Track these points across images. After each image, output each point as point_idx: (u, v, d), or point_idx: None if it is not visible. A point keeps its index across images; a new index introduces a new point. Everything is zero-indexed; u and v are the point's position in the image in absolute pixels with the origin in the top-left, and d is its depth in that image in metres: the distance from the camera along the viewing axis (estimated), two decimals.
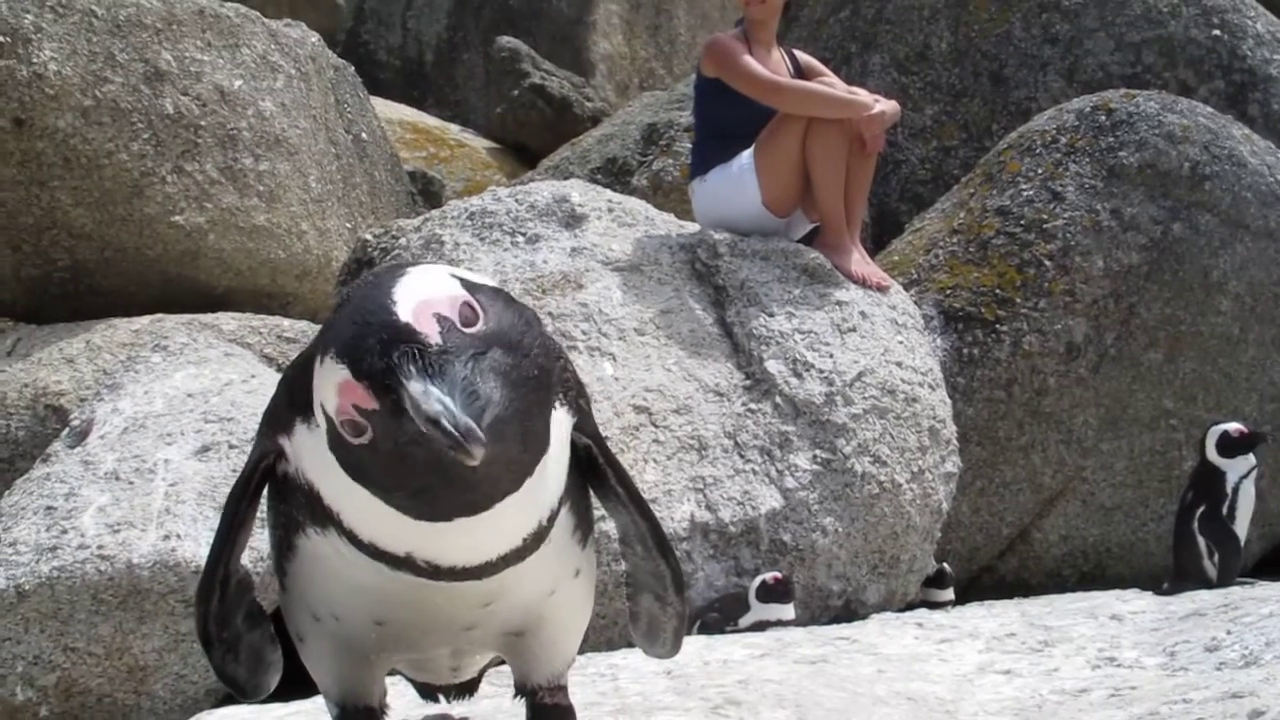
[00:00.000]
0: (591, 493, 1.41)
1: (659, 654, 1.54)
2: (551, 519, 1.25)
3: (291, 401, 1.26)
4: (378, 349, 1.06)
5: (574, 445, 1.33)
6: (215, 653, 1.38)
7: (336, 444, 1.13)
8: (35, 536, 3.02)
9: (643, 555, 1.43)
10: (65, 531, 3.01)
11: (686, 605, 1.49)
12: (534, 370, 1.14)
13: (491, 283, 1.21)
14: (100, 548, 2.96)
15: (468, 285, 1.15)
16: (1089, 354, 4.46)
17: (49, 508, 3.10)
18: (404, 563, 1.20)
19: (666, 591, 1.45)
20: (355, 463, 1.12)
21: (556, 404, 1.28)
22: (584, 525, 1.38)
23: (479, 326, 1.11)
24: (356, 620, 1.32)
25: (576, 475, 1.34)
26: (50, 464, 3.33)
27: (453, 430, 1.00)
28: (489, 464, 1.05)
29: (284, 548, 1.33)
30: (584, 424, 1.35)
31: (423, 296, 1.11)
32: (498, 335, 1.12)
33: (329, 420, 1.12)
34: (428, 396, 1.02)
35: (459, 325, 1.10)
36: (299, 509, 1.28)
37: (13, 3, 4.23)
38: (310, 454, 1.22)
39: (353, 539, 1.21)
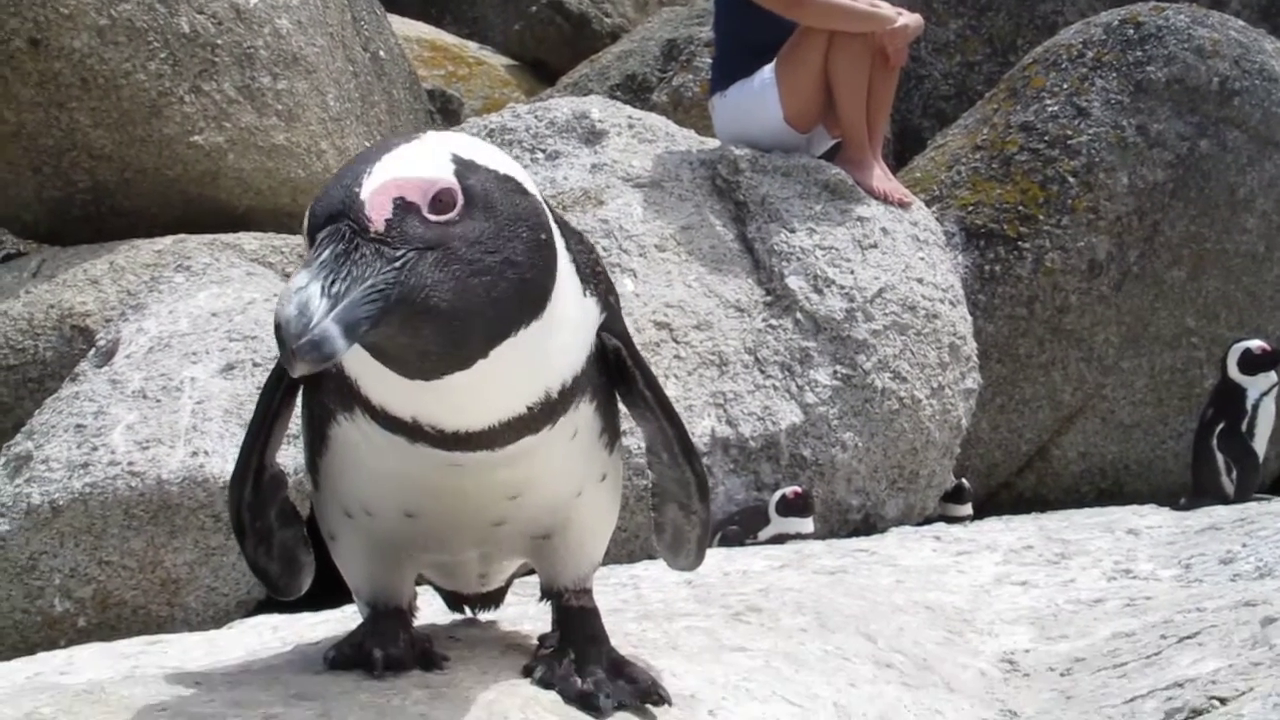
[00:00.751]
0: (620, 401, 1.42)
1: (683, 565, 1.56)
2: (565, 396, 1.25)
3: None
4: (321, 217, 1.07)
5: (603, 345, 1.34)
6: (249, 543, 1.41)
7: None
8: (67, 454, 3.07)
9: (668, 463, 1.45)
10: (96, 449, 3.07)
11: (710, 515, 1.50)
12: (508, 268, 1.13)
13: (505, 167, 1.20)
14: (130, 464, 3.01)
15: (463, 167, 1.14)
16: (1111, 272, 4.43)
17: (79, 426, 3.15)
18: (415, 431, 1.21)
19: (691, 500, 1.46)
20: None
21: (585, 292, 1.29)
22: (610, 429, 1.40)
23: (450, 214, 1.10)
24: (388, 513, 1.34)
25: (604, 377, 1.35)
26: (78, 383, 3.37)
27: (285, 338, 1.00)
28: (388, 343, 1.08)
29: (317, 441, 1.35)
30: (612, 323, 1.36)
31: (396, 175, 1.10)
32: (469, 228, 1.11)
33: None
34: (289, 295, 1.02)
35: (425, 211, 1.09)
36: (329, 395, 1.30)
37: None
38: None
39: (371, 411, 1.23)
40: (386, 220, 1.07)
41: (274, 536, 1.42)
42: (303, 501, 1.56)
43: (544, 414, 1.24)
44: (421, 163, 1.12)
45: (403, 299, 1.05)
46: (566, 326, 1.24)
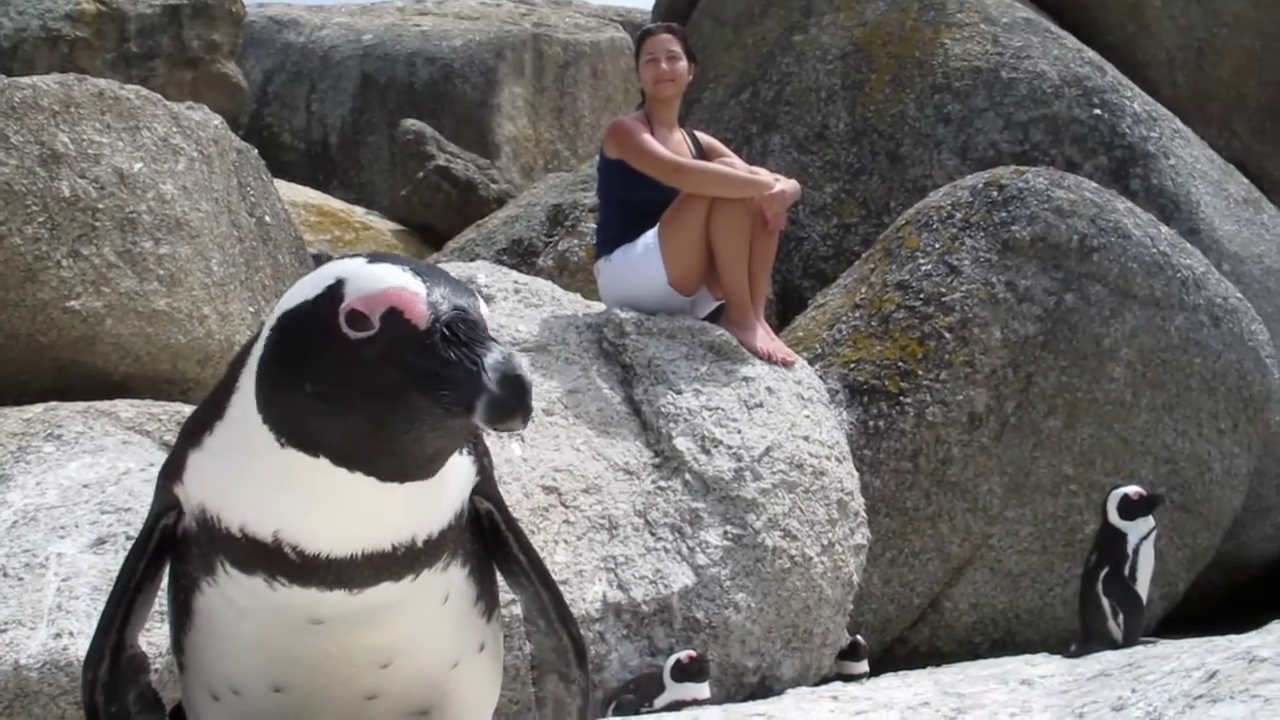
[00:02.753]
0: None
1: None
2: (430, 549, 1.24)
3: (190, 433, 1.30)
4: (464, 309, 1.19)
5: (475, 510, 1.33)
6: None
7: (277, 358, 1.22)
8: None
9: (545, 630, 1.42)
10: None
11: (591, 684, 1.47)
12: None
13: None
14: None
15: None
16: (991, 423, 4.56)
17: None
18: (275, 560, 1.18)
19: (570, 668, 1.43)
20: (287, 370, 1.22)
21: (462, 450, 1.31)
22: (488, 597, 1.37)
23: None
24: (255, 690, 1.28)
25: (479, 544, 1.34)
26: None
27: (527, 395, 1.12)
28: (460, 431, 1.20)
29: (182, 616, 1.31)
30: (486, 487, 1.35)
31: (453, 291, 1.24)
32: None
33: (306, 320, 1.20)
34: (512, 360, 1.14)
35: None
36: (192, 562, 1.27)
37: None
38: (205, 465, 1.26)
39: (230, 549, 1.19)
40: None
41: None
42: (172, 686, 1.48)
43: (406, 560, 1.22)
44: (448, 285, 1.26)
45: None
46: (447, 478, 1.23)
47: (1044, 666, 3.11)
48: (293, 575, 1.19)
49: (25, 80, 4.51)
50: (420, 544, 1.24)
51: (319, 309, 1.17)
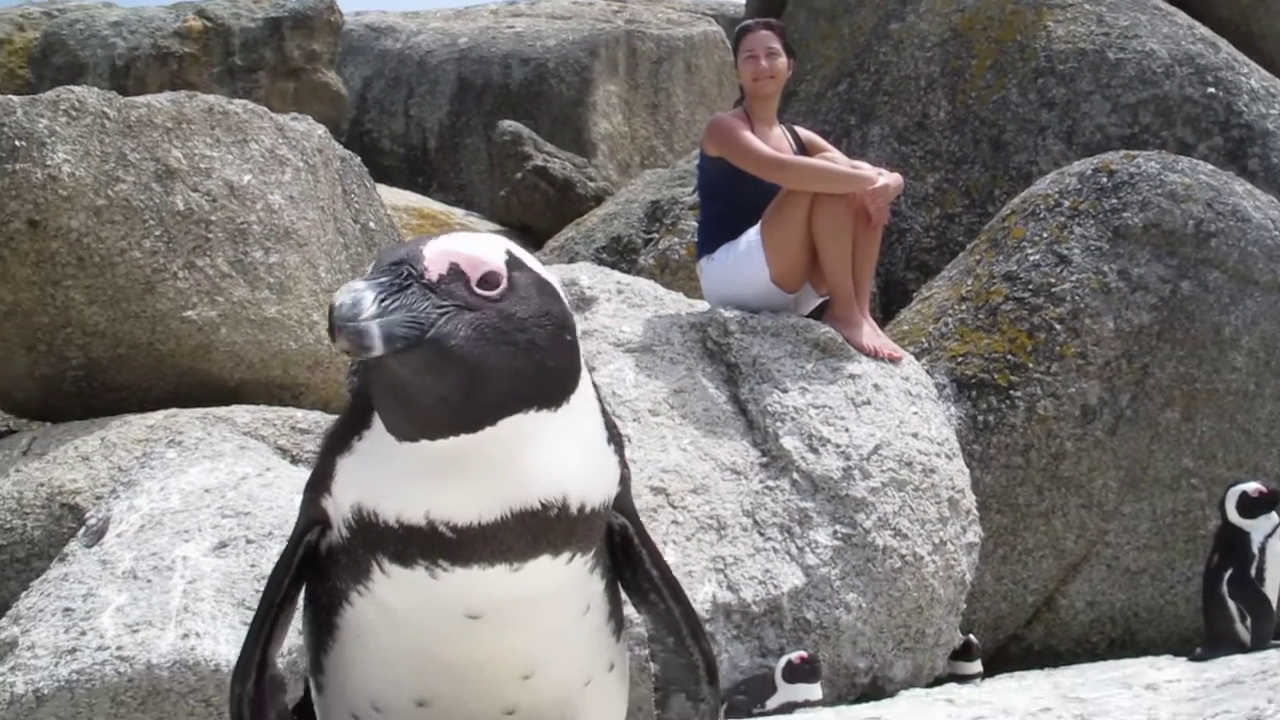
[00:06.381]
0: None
1: None
2: (584, 522, 1.25)
3: (337, 440, 1.35)
4: (385, 261, 1.23)
5: (610, 526, 1.33)
6: None
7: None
8: (54, 639, 3.00)
9: (674, 648, 1.42)
10: (84, 633, 2.99)
11: (719, 702, 1.46)
12: (533, 349, 1.24)
13: (548, 275, 1.33)
14: (119, 648, 2.94)
15: (513, 261, 1.28)
16: (1105, 416, 4.44)
17: (67, 609, 3.08)
18: (433, 544, 1.21)
19: (699, 685, 1.42)
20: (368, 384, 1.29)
21: (608, 440, 1.35)
22: (617, 617, 1.38)
23: (494, 292, 1.24)
24: (398, 704, 1.31)
25: (610, 560, 1.34)
26: (68, 564, 3.31)
27: (335, 318, 1.14)
28: (413, 377, 1.20)
29: (323, 635, 1.33)
30: (623, 501, 1.36)
31: (455, 247, 1.26)
32: (506, 307, 1.24)
33: None
34: (346, 288, 1.18)
35: (473, 283, 1.24)
36: (340, 575, 1.29)
37: (28, 108, 4.31)
38: (356, 467, 1.31)
39: (390, 544, 1.22)
40: (440, 274, 1.22)
41: None
42: None
43: (560, 525, 1.22)
44: (479, 246, 1.28)
45: (436, 339, 1.18)
46: (590, 446, 1.29)
47: (1169, 670, 3.01)
48: (453, 555, 1.22)
49: (140, 99, 4.67)
50: (574, 511, 1.24)
51: None
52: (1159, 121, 5.87)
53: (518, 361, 1.22)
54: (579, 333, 1.34)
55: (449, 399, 1.20)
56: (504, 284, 1.24)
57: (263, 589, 1.38)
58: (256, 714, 1.34)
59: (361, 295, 1.16)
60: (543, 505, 1.22)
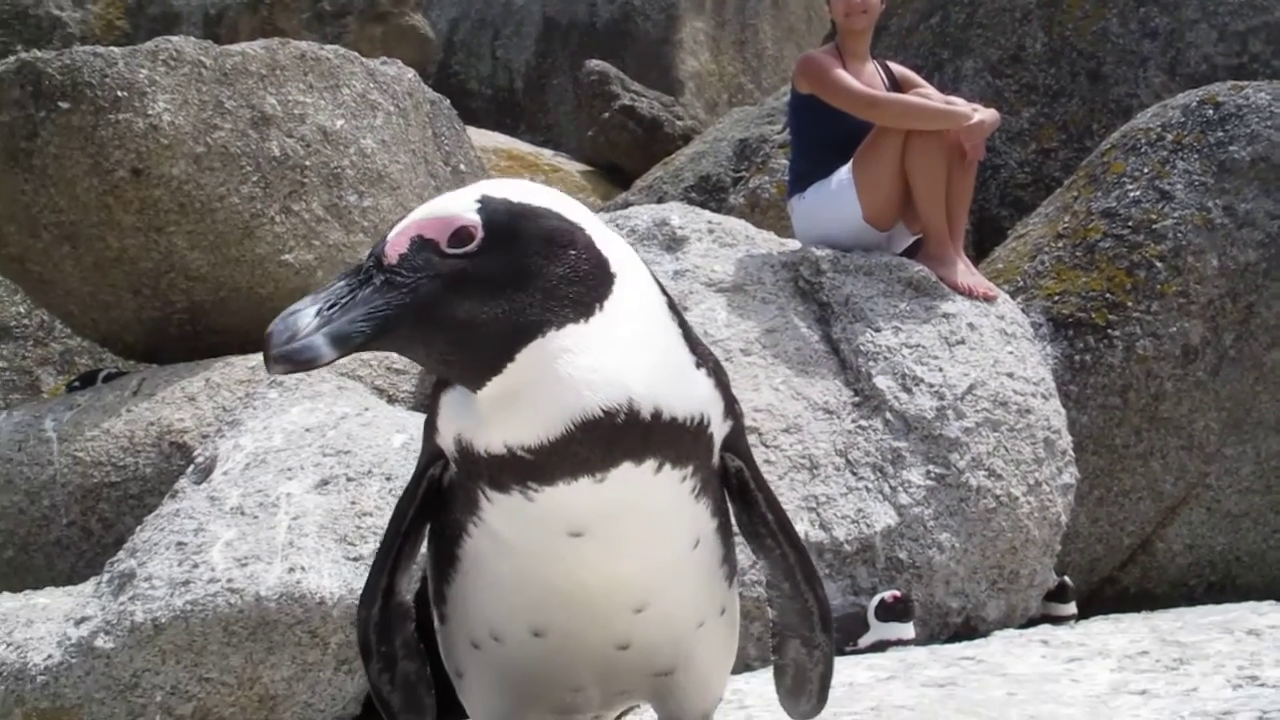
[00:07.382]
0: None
1: (804, 711, 1.50)
2: (661, 426, 1.24)
3: (438, 381, 1.38)
4: (370, 252, 1.24)
5: (725, 468, 1.34)
6: (372, 666, 1.41)
7: None
8: (168, 571, 3.12)
9: (790, 592, 1.42)
10: (196, 566, 3.11)
11: (833, 649, 1.47)
12: (526, 279, 1.22)
13: (544, 202, 1.28)
14: (229, 581, 3.05)
15: (488, 206, 1.24)
16: (1207, 356, 4.33)
17: (179, 543, 3.20)
18: (517, 468, 1.24)
19: (814, 632, 1.43)
20: None
21: (696, 364, 1.32)
22: (730, 561, 1.39)
23: (469, 247, 1.22)
24: (516, 634, 1.34)
25: (724, 502, 1.35)
26: (178, 500, 3.44)
27: (266, 346, 1.16)
28: (410, 353, 1.25)
29: (445, 565, 1.37)
30: (736, 442, 1.36)
31: (420, 216, 1.25)
32: (488, 257, 1.22)
33: None
34: (282, 314, 1.19)
35: (444, 246, 1.22)
36: (458, 509, 1.32)
37: (128, 59, 4.40)
38: (454, 402, 1.33)
39: (485, 471, 1.26)
40: (400, 255, 1.21)
41: (397, 665, 1.42)
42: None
43: (631, 430, 1.22)
44: (447, 204, 1.26)
45: (405, 315, 1.19)
46: (653, 352, 1.25)
47: (1272, 616, 2.96)
48: (538, 475, 1.23)
49: (234, 47, 4.73)
50: (644, 413, 1.23)
51: None
52: (1270, 50, 5.64)
53: (513, 298, 1.21)
54: (617, 247, 1.31)
55: (450, 359, 1.22)
56: (479, 234, 1.22)
57: (388, 521, 1.42)
58: (382, 638, 1.39)
59: (296, 315, 1.17)
60: (605, 412, 1.20)
